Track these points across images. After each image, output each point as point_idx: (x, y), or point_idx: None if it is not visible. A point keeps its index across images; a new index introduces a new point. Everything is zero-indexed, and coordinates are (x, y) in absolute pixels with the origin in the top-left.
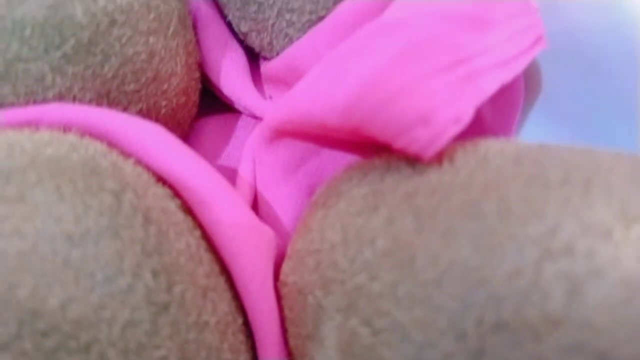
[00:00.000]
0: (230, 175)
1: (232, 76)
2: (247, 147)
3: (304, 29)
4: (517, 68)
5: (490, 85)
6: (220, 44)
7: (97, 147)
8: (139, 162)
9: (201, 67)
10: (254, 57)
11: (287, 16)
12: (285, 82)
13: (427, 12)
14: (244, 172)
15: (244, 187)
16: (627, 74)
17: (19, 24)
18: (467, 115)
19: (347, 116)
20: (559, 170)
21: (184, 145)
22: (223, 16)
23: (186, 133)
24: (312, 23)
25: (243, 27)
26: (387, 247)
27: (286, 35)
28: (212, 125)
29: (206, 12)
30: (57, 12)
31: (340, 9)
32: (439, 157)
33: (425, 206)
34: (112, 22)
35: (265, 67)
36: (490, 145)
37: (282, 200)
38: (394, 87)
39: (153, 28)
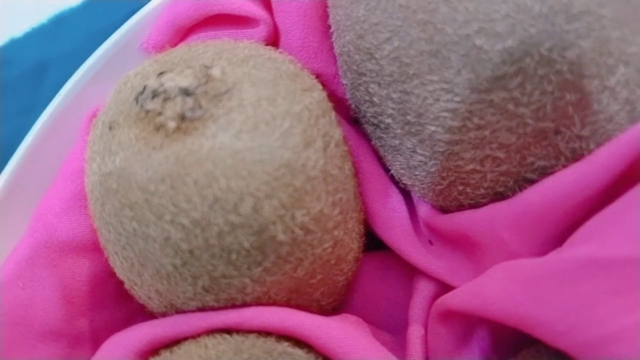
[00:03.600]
0: (388, 317)
1: (396, 230)
2: (414, 307)
3: (477, 200)
4: None
5: None
6: (382, 197)
7: None
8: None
9: (364, 217)
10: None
11: (460, 187)
12: (451, 240)
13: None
14: (414, 336)
15: (416, 354)
16: None
17: (226, 250)
18: None
19: (549, 338)
20: None
21: (364, 336)
22: (383, 165)
23: None
24: (487, 197)
25: (405, 180)
26: None
27: (456, 199)
28: (369, 263)
29: (367, 164)
30: (262, 236)
31: (526, 195)
32: None
33: None
34: (307, 232)
35: (428, 215)
36: None
37: None
38: (607, 332)
39: (337, 221)
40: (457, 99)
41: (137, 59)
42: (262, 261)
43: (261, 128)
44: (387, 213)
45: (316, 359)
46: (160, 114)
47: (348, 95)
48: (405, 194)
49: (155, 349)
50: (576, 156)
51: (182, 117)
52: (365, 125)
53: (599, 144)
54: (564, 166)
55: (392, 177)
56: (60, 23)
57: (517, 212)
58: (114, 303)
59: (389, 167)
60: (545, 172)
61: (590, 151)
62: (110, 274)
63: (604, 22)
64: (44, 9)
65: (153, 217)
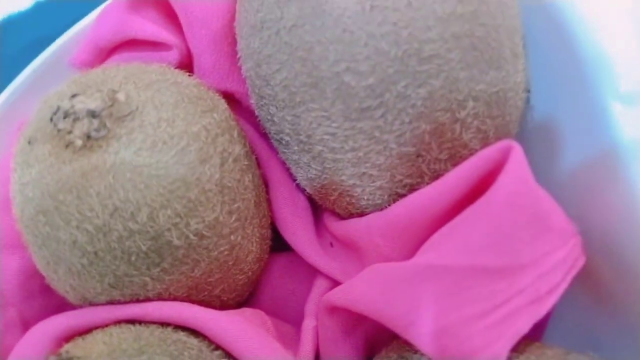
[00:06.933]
0: (293, 310)
1: (298, 235)
2: (310, 302)
3: (362, 210)
4: (550, 301)
5: (525, 324)
6: (288, 204)
7: None
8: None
9: (273, 221)
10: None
11: (347, 199)
12: (344, 242)
13: (464, 262)
14: (307, 327)
15: (308, 343)
16: None
17: (126, 253)
18: (503, 354)
19: (398, 330)
20: None
21: (253, 327)
22: (291, 176)
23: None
24: (370, 207)
25: (309, 190)
26: None
27: (346, 209)
28: (278, 262)
29: (276, 174)
30: (158, 241)
31: (394, 207)
32: None
33: None
34: (201, 237)
35: (328, 220)
36: None
37: (340, 357)
38: (437, 327)
39: (234, 227)
40: (334, 125)
41: (67, 74)
42: (159, 262)
43: (159, 146)
44: (292, 219)
45: (208, 347)
46: (70, 132)
47: (257, 113)
48: (313, 200)
49: (71, 337)
50: (437, 176)
51: (88, 136)
52: (272, 141)
53: (456, 166)
54: (428, 184)
55: (299, 186)
56: (7, 27)
57: (387, 221)
58: (42, 295)
59: (295, 178)
60: (412, 188)
61: (448, 172)
62: (38, 269)
63: (453, 64)
64: None
65: (62, 223)
